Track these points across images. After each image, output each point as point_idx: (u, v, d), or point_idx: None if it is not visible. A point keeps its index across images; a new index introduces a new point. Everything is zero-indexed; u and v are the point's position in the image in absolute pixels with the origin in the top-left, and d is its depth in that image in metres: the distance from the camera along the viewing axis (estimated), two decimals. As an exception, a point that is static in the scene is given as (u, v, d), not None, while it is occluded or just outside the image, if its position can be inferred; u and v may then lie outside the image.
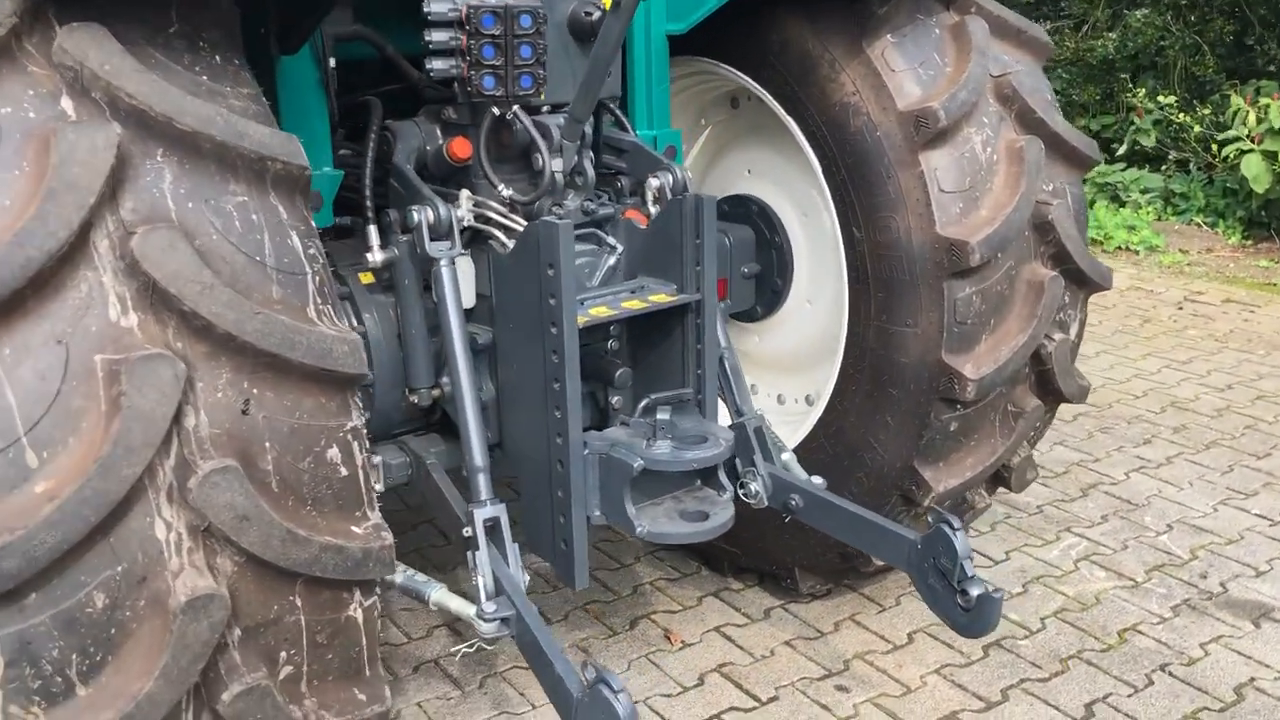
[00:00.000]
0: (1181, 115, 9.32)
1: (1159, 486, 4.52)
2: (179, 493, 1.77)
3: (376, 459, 2.79)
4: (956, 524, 2.56)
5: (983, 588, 2.52)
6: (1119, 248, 8.49)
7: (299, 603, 1.94)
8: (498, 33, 2.47)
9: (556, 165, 2.70)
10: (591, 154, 2.88)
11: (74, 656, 1.72)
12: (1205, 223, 8.96)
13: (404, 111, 2.91)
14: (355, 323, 2.73)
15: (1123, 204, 9.28)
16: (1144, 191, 9.37)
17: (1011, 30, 3.15)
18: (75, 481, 1.65)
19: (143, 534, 1.74)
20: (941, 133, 2.88)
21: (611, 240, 2.86)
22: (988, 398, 3.06)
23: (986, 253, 2.88)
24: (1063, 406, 3.51)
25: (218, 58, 1.97)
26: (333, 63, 2.68)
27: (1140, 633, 3.51)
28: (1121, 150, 9.86)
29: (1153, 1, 9.77)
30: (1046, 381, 3.20)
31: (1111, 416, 5.24)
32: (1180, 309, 7.00)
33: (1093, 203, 9.38)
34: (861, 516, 2.76)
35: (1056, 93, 10.10)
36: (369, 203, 2.71)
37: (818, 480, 2.90)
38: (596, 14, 2.64)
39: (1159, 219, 9.13)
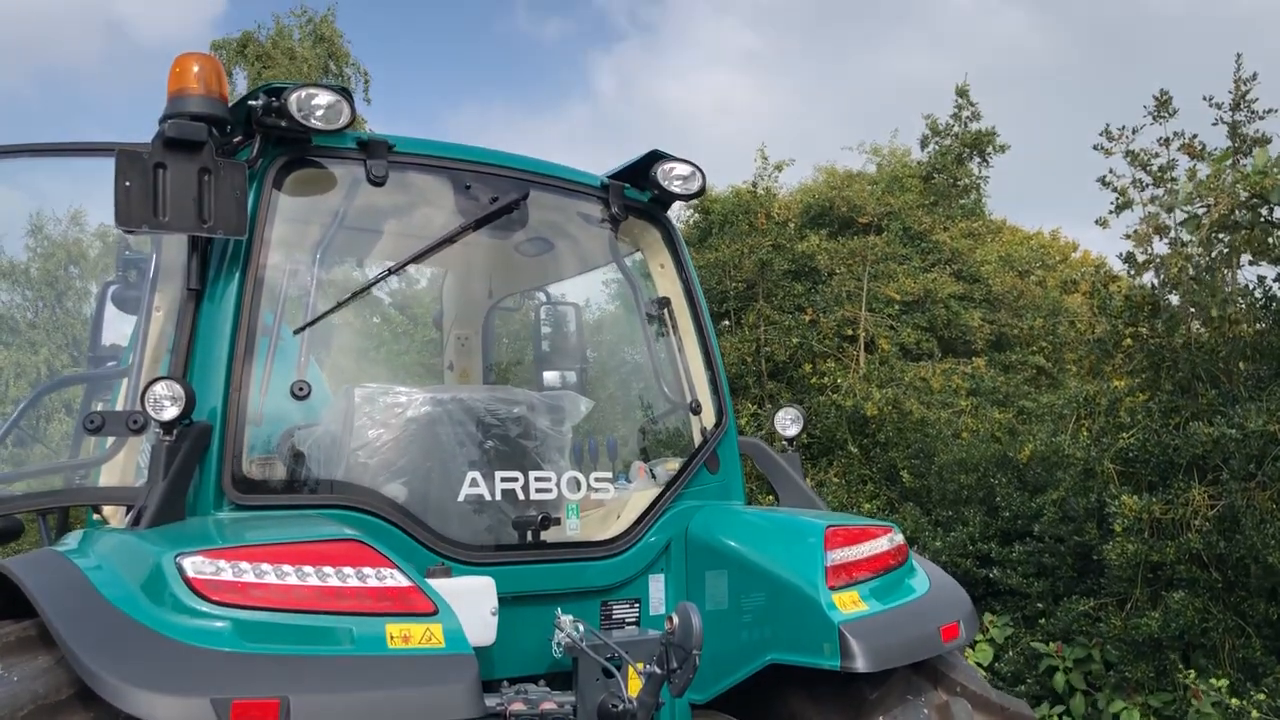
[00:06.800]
0: (1235, 700, 9.33)
1: None
2: None
3: None
4: None
5: None
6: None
7: None
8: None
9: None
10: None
11: None
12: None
13: None
14: None
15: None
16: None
17: (995, 707, 3.55)
18: None
19: None
20: None
21: None
22: None
23: None
24: None
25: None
26: None
27: None
28: (1188, 742, 9.76)
29: (1189, 584, 10.12)
30: None
31: None
32: None
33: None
34: None
35: (1109, 668, 10.35)
36: None
37: None
38: (621, 706, 3.12)
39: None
